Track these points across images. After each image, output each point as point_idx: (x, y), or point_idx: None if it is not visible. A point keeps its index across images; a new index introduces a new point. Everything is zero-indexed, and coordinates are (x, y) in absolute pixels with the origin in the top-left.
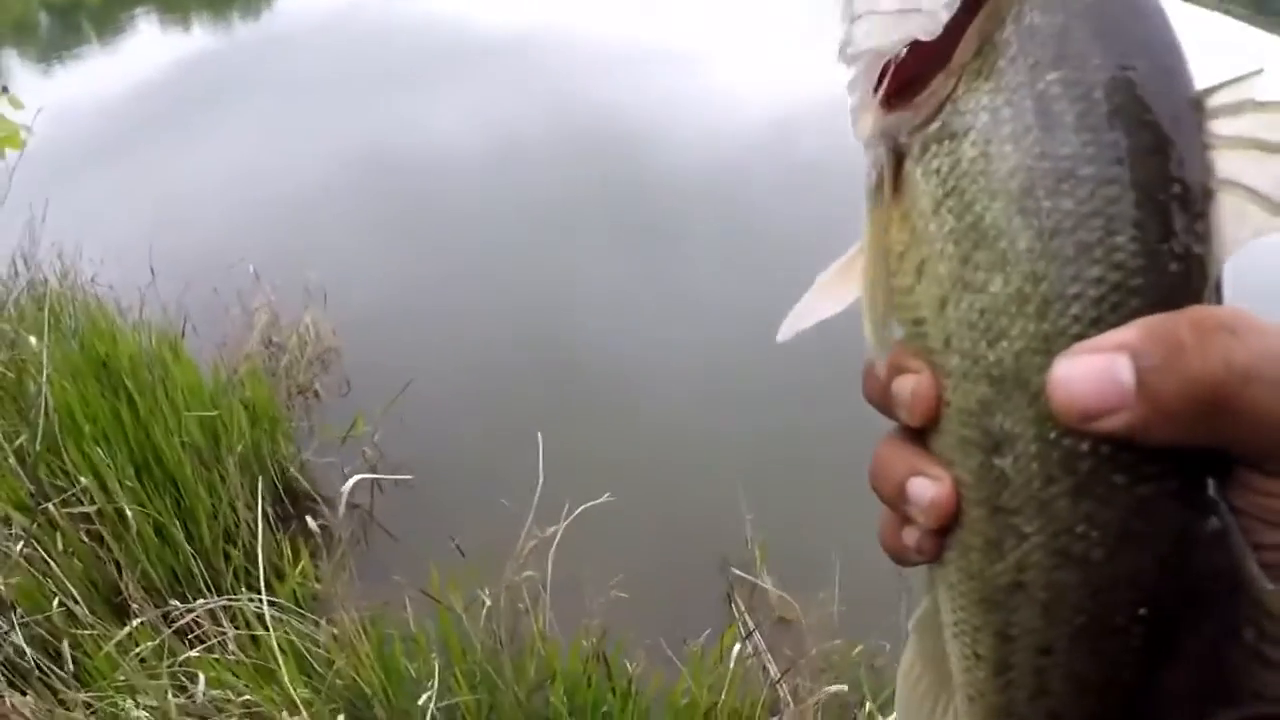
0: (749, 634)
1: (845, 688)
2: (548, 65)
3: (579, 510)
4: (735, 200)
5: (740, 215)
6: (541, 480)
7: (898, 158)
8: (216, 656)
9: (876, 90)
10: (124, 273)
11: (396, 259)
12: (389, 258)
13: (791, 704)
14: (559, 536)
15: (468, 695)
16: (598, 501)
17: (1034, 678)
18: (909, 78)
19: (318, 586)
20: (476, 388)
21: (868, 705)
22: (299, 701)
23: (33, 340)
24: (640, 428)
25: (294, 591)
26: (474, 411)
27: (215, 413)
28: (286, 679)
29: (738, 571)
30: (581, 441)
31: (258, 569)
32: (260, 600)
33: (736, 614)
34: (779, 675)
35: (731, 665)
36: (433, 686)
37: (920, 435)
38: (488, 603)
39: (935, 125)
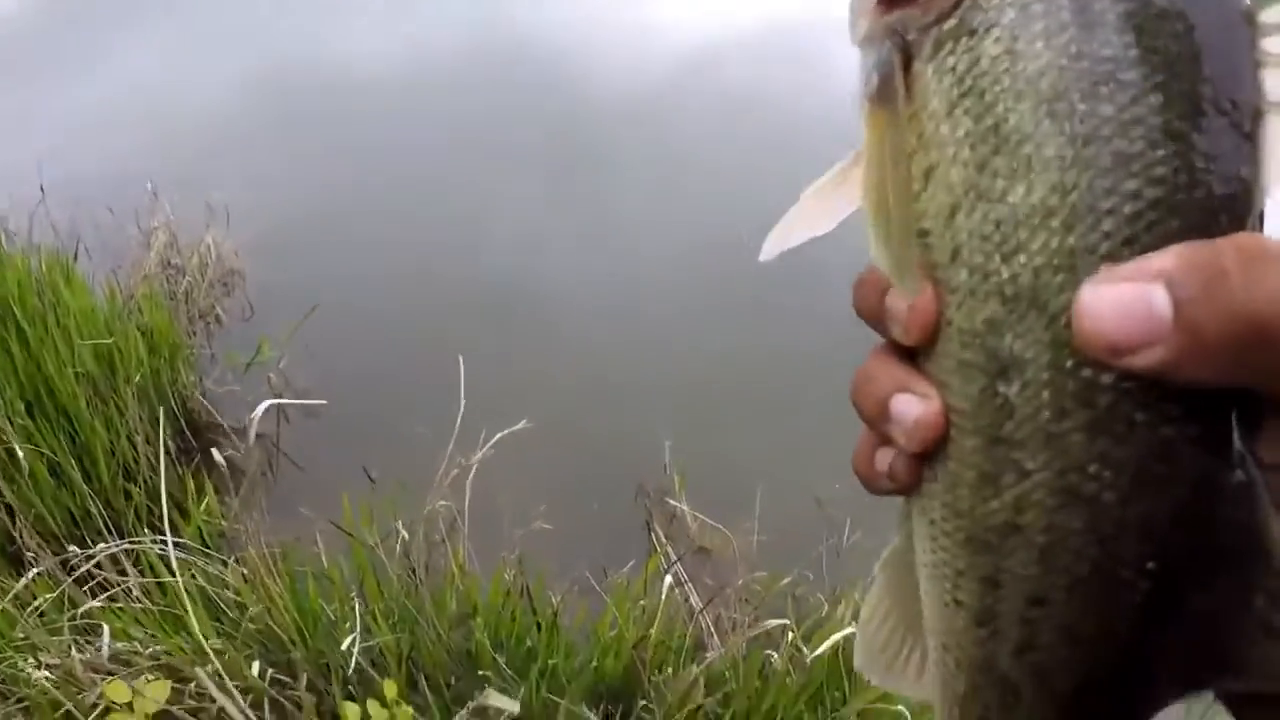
0: (672, 565)
1: (774, 622)
2: None
3: (496, 438)
4: (661, 127)
5: (666, 142)
6: (463, 407)
7: (905, 58)
8: (121, 606)
9: None
10: (13, 193)
11: (305, 180)
12: (297, 178)
13: (716, 637)
14: (475, 465)
15: (387, 635)
16: (515, 428)
17: (1021, 630)
18: None
19: (224, 524)
20: (389, 313)
21: (790, 636)
22: (210, 651)
23: None
24: (560, 355)
25: (200, 530)
26: (387, 338)
27: (110, 340)
28: (196, 626)
29: (666, 501)
30: (499, 368)
31: (161, 508)
32: (165, 542)
33: (657, 544)
34: (702, 606)
35: (660, 598)
36: (353, 629)
37: (913, 356)
38: (404, 535)
39: (952, 21)
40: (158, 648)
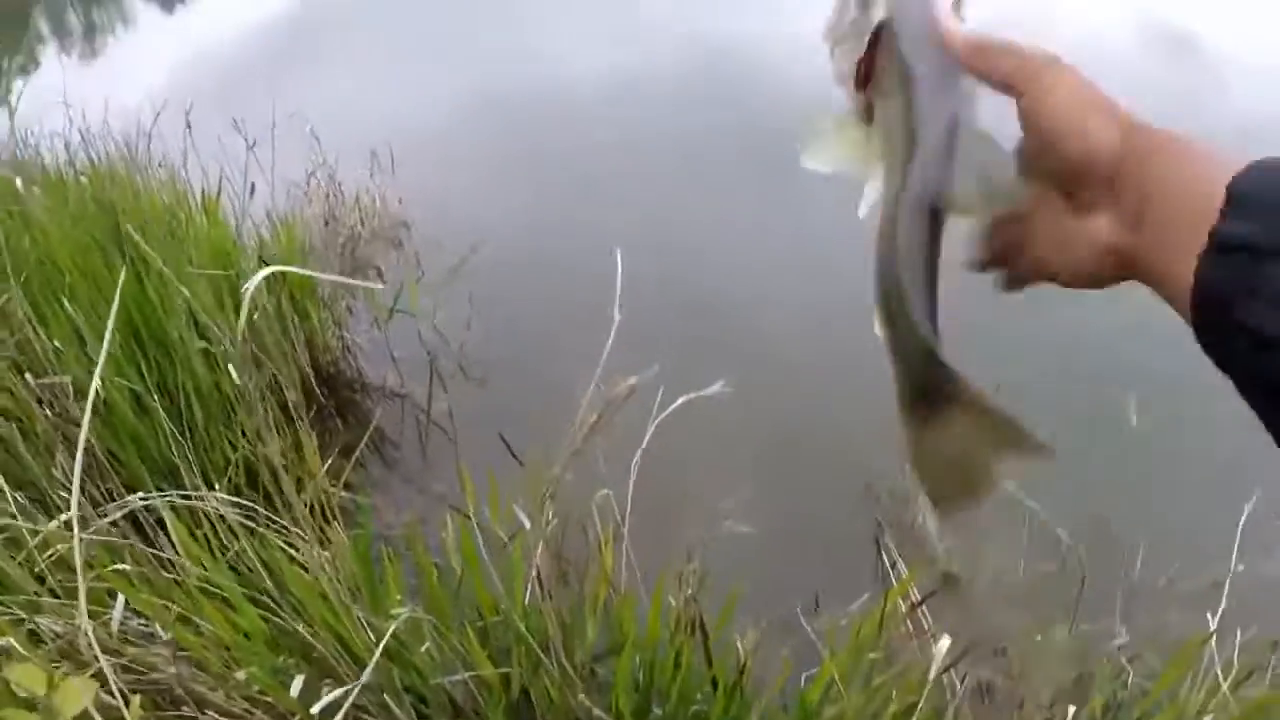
0: (918, 604)
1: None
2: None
3: (678, 401)
4: None
5: None
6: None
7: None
8: (146, 573)
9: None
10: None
11: (503, 188)
12: (497, 186)
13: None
14: (650, 434)
15: (489, 667)
16: (706, 392)
17: None
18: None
19: (337, 494)
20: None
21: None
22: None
23: (36, 191)
24: (766, 324)
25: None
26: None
27: (230, 271)
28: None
29: (905, 508)
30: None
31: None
32: (238, 502)
33: (888, 567)
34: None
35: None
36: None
37: None
38: (529, 526)
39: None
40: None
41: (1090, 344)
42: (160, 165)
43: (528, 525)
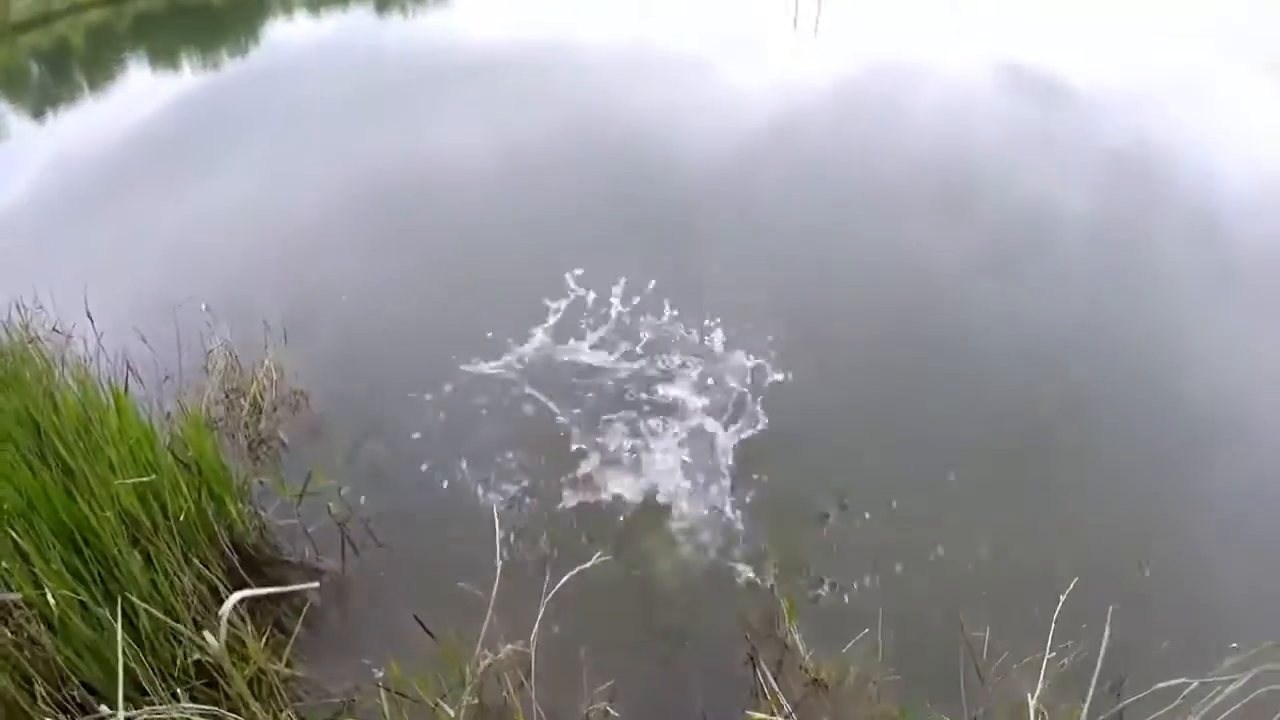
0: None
1: None
2: (538, 79)
3: (569, 575)
4: (745, 197)
5: (752, 212)
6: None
7: None
8: None
9: None
10: (87, 319)
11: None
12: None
13: None
14: (544, 605)
15: None
16: (588, 565)
17: None
18: None
19: (281, 671)
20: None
21: None
22: None
23: None
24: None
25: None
26: (445, 474)
27: (152, 477)
28: None
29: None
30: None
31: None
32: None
33: (765, 686)
34: None
35: None
36: None
37: None
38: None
39: None
40: None
41: None
42: (63, 360)
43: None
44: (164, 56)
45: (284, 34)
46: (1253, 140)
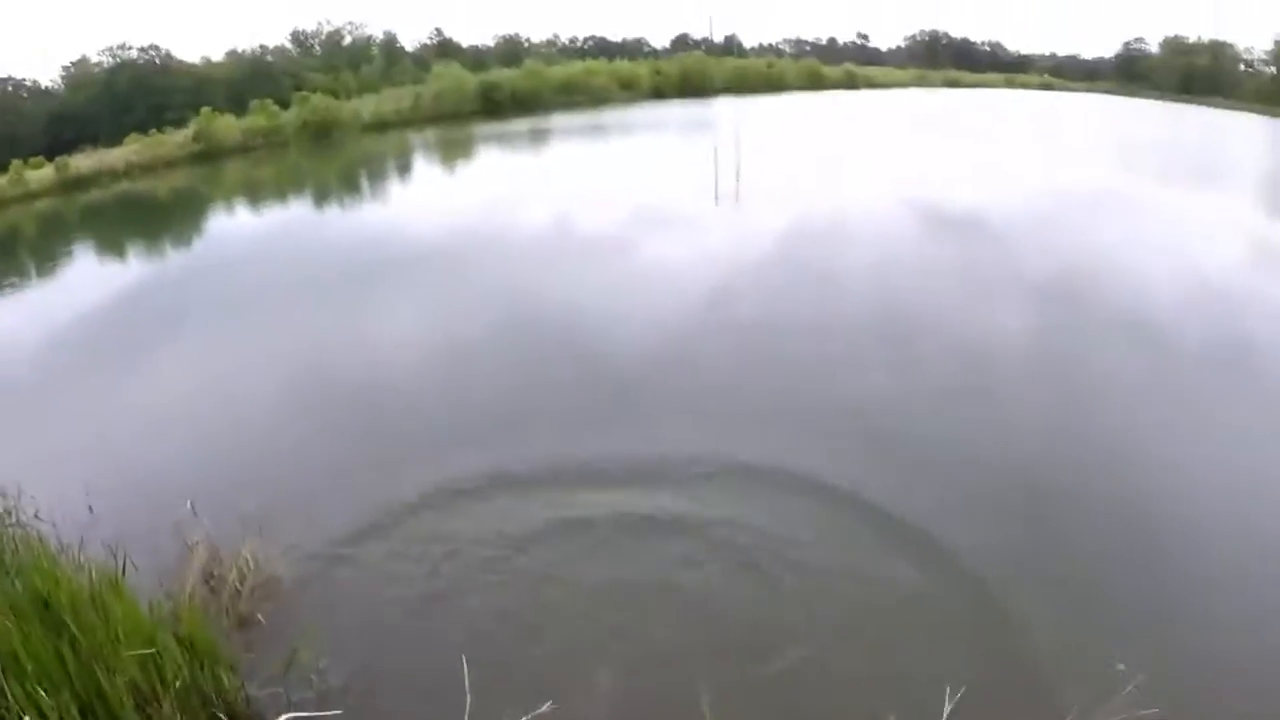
0: None
1: None
2: (469, 267)
3: None
4: (690, 371)
5: (696, 384)
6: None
7: None
8: None
9: None
10: (64, 508)
11: (338, 486)
12: (330, 486)
13: None
14: None
15: None
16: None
17: None
18: None
19: None
20: (422, 613)
21: None
22: None
23: None
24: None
25: None
26: (417, 637)
27: (152, 650)
28: None
29: None
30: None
31: None
32: None
33: None
34: None
35: None
36: None
37: None
38: None
39: None
40: None
41: None
42: (63, 551)
43: None
44: (111, 246)
45: (226, 226)
46: (1160, 245)
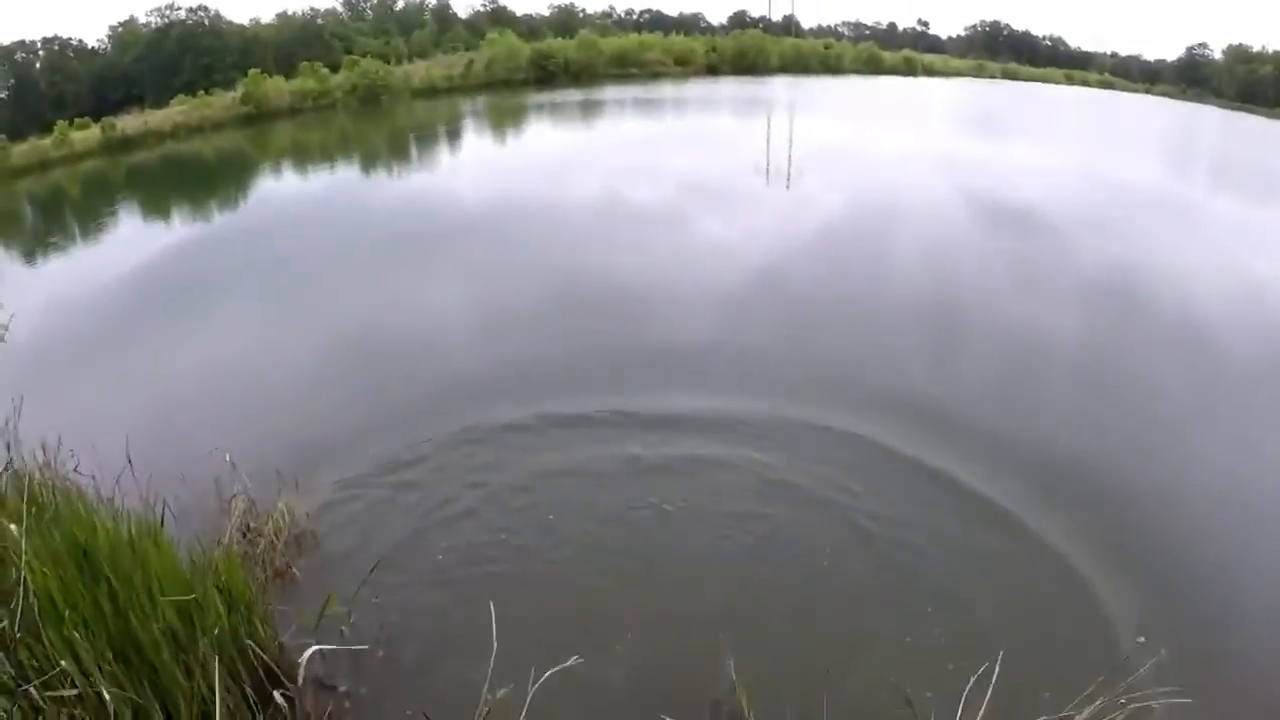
0: None
1: None
2: (527, 239)
3: (545, 675)
4: (735, 347)
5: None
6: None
7: None
8: None
9: None
10: (104, 461)
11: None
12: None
13: None
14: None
15: None
16: (567, 664)
17: None
18: None
19: None
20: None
21: None
22: None
23: (12, 528)
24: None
25: None
26: (448, 588)
27: (191, 596)
28: None
29: None
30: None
31: None
32: None
33: None
34: None
35: None
36: None
37: None
38: None
39: None
40: None
41: None
42: (102, 503)
43: None
44: (154, 208)
45: (273, 190)
46: (1206, 249)
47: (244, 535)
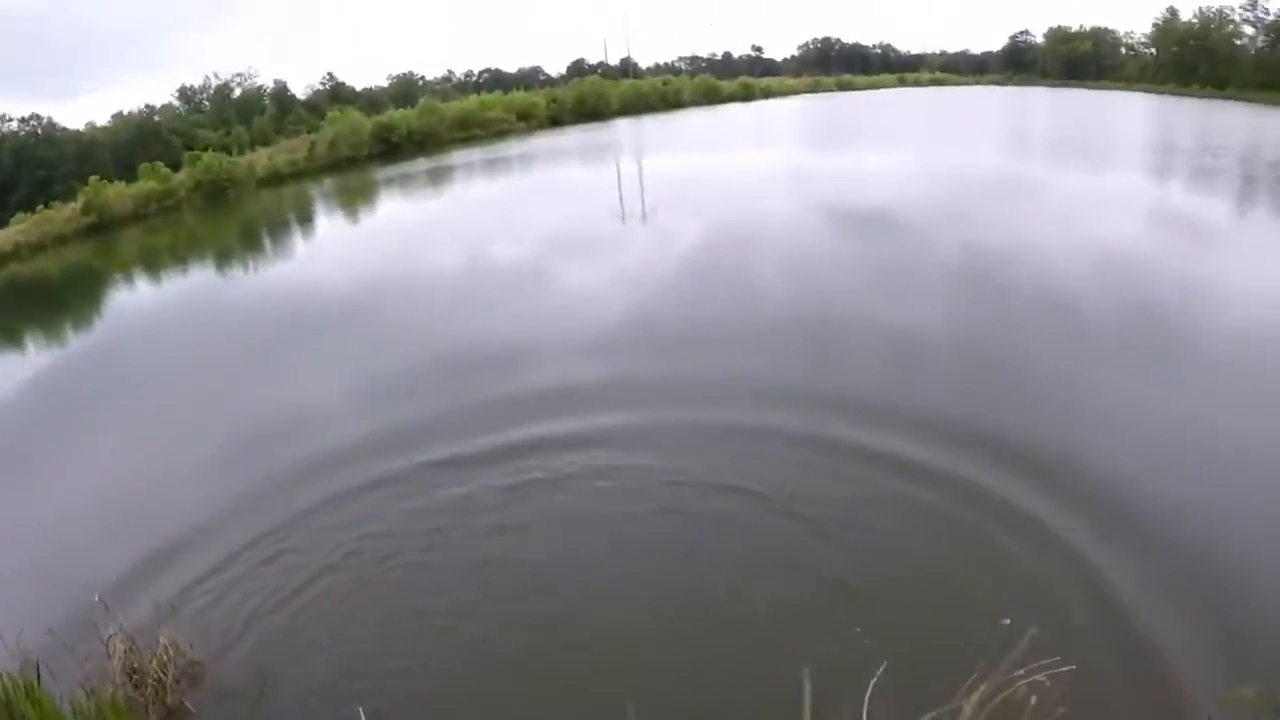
0: None
1: None
2: (385, 317)
3: None
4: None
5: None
6: None
7: None
8: None
9: None
10: None
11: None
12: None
13: None
14: None
15: None
16: None
17: None
18: None
19: None
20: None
21: None
22: None
23: None
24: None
25: None
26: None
27: None
28: None
29: None
30: None
31: None
32: None
33: None
34: None
35: None
36: None
37: None
38: None
39: None
40: None
41: None
42: None
43: None
44: (4, 339)
45: (126, 301)
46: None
47: (130, 678)
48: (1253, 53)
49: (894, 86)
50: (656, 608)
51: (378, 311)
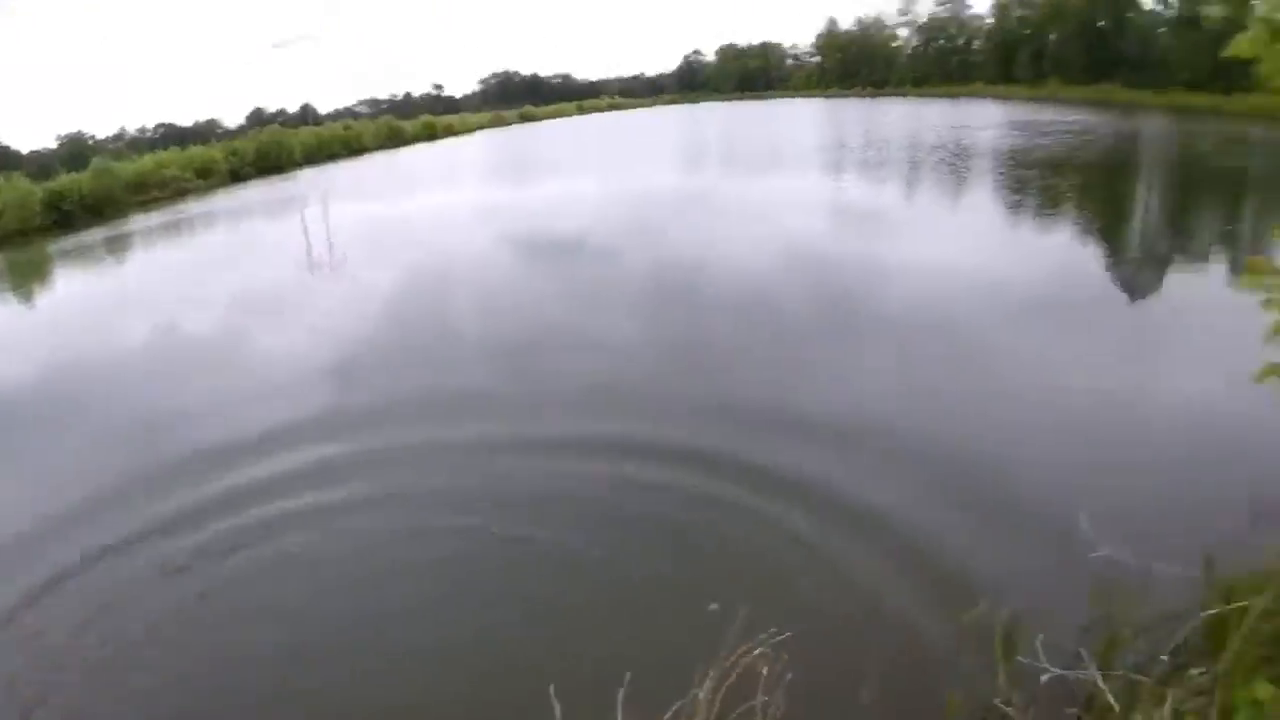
0: None
1: None
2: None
3: None
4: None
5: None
6: None
7: None
8: None
9: None
10: None
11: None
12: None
13: None
14: None
15: None
16: None
17: None
18: None
19: None
20: None
21: None
22: None
23: None
24: None
25: None
26: None
27: None
28: None
29: None
30: None
31: None
32: None
33: None
34: None
35: None
36: None
37: None
38: None
39: None
40: None
41: None
42: None
43: None
44: None
45: None
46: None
47: None
48: (908, 52)
49: (573, 114)
50: (387, 653)
51: (50, 403)
